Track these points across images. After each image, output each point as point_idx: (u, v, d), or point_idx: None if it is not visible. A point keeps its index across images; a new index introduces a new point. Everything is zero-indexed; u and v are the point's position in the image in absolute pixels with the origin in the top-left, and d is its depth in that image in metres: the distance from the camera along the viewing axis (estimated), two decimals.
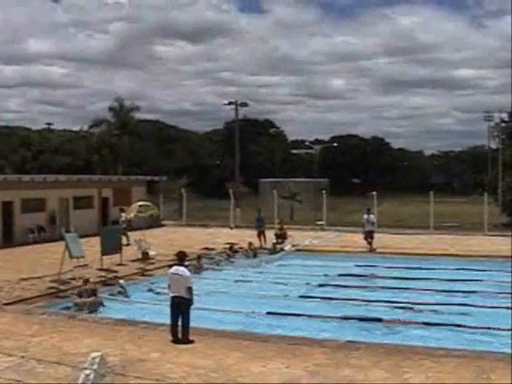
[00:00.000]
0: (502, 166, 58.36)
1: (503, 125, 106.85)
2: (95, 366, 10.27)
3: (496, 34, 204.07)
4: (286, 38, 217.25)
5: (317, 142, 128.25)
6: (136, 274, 26.03)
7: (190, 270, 16.02)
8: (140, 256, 29.78)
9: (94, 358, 10.40)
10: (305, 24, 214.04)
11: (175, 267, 15.55)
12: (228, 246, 33.11)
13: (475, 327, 17.60)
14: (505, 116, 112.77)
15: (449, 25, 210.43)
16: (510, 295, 22.26)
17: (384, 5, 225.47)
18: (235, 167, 65.15)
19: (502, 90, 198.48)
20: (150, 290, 22.99)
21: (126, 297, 21.82)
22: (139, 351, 13.95)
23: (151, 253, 30.23)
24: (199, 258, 28.55)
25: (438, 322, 18.22)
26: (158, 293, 22.25)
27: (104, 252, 26.81)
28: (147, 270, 26.80)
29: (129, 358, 13.30)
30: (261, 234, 35.66)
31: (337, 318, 18.81)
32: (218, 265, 29.50)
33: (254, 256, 32.00)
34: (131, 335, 15.47)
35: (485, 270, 27.60)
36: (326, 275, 26.96)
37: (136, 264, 28.27)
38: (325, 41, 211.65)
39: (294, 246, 34.62)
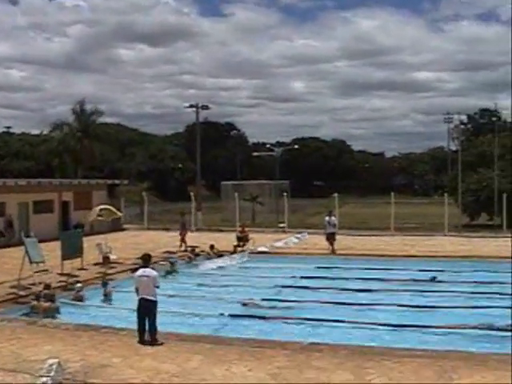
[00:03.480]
0: (461, 167, 58.83)
1: (462, 126, 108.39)
2: (52, 373, 10.14)
3: (454, 38, 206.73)
4: (246, 41, 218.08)
5: (278, 144, 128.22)
6: (97, 278, 25.81)
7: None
8: (101, 260, 29.54)
9: (51, 365, 10.27)
10: (265, 27, 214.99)
11: (142, 269, 15.55)
12: (189, 248, 32.98)
13: (437, 327, 17.71)
14: (464, 118, 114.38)
15: (408, 28, 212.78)
16: (470, 295, 22.60)
17: (344, 8, 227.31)
18: (197, 170, 64.96)
19: (460, 92, 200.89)
20: (105, 295, 22.65)
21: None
22: (101, 356, 13.82)
23: (112, 257, 30.01)
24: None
25: (400, 322, 18.28)
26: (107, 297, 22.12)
27: (65, 257, 26.51)
28: (108, 275, 26.57)
29: (90, 364, 13.16)
30: (183, 237, 35.45)
31: (299, 319, 18.81)
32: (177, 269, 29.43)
33: (217, 258, 31.87)
34: (92, 340, 15.33)
35: (444, 271, 27.83)
36: (288, 277, 26.94)
37: (97, 268, 28.03)
38: (285, 44, 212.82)
39: (255, 248, 34.54)
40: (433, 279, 26.15)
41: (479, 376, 12.19)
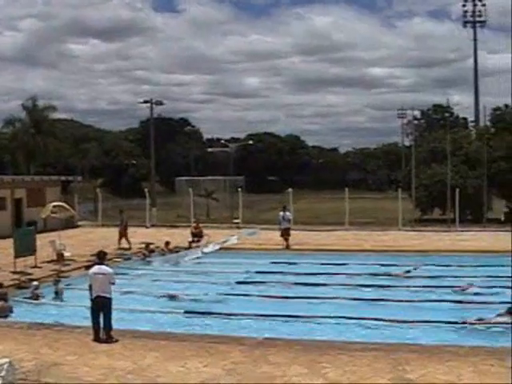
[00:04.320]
0: (415, 163, 59.32)
1: (416, 122, 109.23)
2: (3, 373, 10.04)
3: (407, 35, 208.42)
4: (200, 36, 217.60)
5: (232, 140, 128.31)
6: (51, 276, 25.56)
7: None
8: (55, 257, 29.27)
9: (1, 365, 10.16)
10: (219, 23, 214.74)
11: (96, 267, 15.47)
12: (144, 245, 32.86)
13: (392, 320, 17.88)
14: (417, 114, 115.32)
15: (361, 25, 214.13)
16: (424, 288, 22.87)
17: (298, 4, 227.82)
18: (151, 166, 64.74)
19: (414, 88, 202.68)
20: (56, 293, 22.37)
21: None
22: (55, 355, 13.72)
23: (66, 254, 29.76)
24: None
25: (356, 316, 18.42)
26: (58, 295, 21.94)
27: (17, 254, 26.24)
28: (62, 272, 26.36)
29: (44, 363, 13.05)
30: (123, 235, 35.11)
31: (254, 315, 18.85)
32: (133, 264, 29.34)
33: (172, 255, 31.80)
34: (46, 339, 15.20)
35: (398, 265, 28.09)
36: (243, 273, 26.98)
37: (51, 266, 27.77)
38: (240, 39, 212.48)
39: (210, 244, 34.51)
40: (407, 272, 26.35)
41: (432, 368, 12.35)
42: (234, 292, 22.92)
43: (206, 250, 33.00)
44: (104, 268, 15.37)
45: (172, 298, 21.85)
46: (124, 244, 34.22)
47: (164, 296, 22.20)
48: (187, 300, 21.49)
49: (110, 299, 15.08)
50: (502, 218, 52.10)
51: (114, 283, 15.38)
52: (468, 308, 19.57)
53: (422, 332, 16.85)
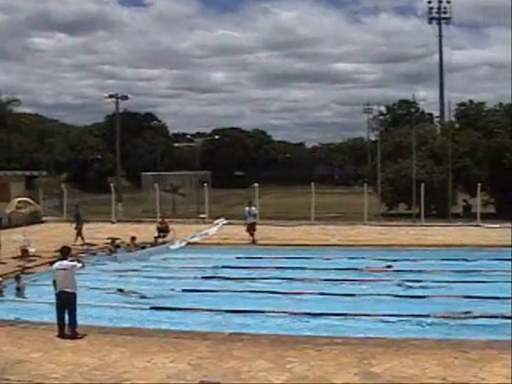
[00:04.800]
0: (380, 158, 59.65)
1: (381, 117, 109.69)
2: None
3: (373, 30, 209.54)
4: (166, 31, 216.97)
5: (198, 135, 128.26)
6: (15, 272, 25.32)
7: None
8: (20, 253, 29.01)
9: None
10: (186, 17, 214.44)
11: (59, 262, 15.36)
12: (110, 240, 32.68)
13: (358, 314, 17.97)
14: (383, 109, 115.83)
15: (328, 20, 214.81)
16: (392, 281, 23.05)
17: None
18: (116, 161, 64.42)
19: (379, 83, 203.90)
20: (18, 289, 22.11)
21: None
22: (19, 352, 13.58)
23: (31, 250, 29.51)
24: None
25: (321, 310, 18.48)
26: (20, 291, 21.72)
27: None
28: (27, 268, 26.14)
29: (7, 360, 12.91)
30: (79, 231, 34.65)
31: (220, 310, 18.84)
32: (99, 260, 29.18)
33: (138, 250, 31.67)
34: (10, 336, 15.04)
35: (364, 258, 28.28)
36: (208, 268, 26.95)
37: (16, 262, 27.53)
38: (206, 34, 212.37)
39: (177, 239, 34.43)
40: (388, 267, 26.50)
41: (397, 361, 12.44)
42: (200, 287, 22.87)
43: (173, 245, 32.96)
44: (66, 263, 15.24)
45: (121, 291, 21.76)
46: (79, 240, 33.82)
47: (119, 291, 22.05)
48: (136, 296, 21.36)
49: (74, 294, 14.96)
50: (461, 213, 52.56)
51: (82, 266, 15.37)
52: (433, 302, 19.73)
53: (389, 326, 16.95)
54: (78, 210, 36.52)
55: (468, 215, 50.87)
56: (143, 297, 21.32)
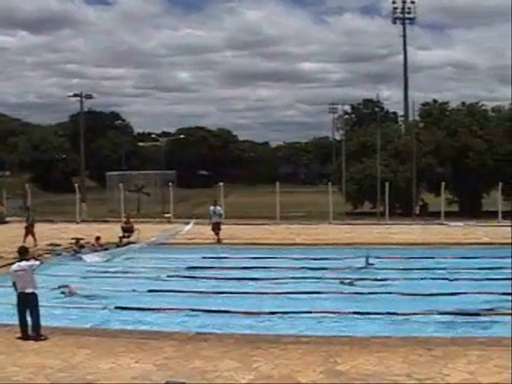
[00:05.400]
0: (345, 157, 60.02)
1: (346, 117, 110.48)
2: None
3: (337, 30, 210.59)
4: (132, 30, 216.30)
5: (164, 134, 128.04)
6: None
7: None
8: None
9: None
10: (151, 16, 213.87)
11: (17, 263, 15.17)
12: (74, 240, 32.46)
13: (324, 312, 18.02)
14: (348, 108, 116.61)
15: (293, 19, 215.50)
16: (357, 281, 23.16)
17: None
18: (81, 161, 64.04)
19: (344, 83, 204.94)
20: None
21: None
22: None
23: None
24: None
25: (288, 309, 18.50)
26: None
27: None
28: None
29: None
30: (29, 232, 33.82)
31: (186, 310, 18.79)
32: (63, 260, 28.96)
33: (103, 250, 31.49)
34: None
35: (328, 258, 28.36)
36: (174, 268, 26.87)
37: None
38: (171, 33, 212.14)
39: (142, 239, 34.28)
40: (369, 265, 26.60)
41: (362, 359, 12.49)
42: (166, 287, 22.77)
43: (138, 245, 32.85)
44: (24, 264, 15.04)
45: (65, 288, 21.61)
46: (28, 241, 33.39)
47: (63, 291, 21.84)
48: (81, 295, 21.21)
49: (34, 294, 14.72)
50: (417, 211, 52.95)
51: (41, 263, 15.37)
52: (398, 300, 19.85)
53: (355, 324, 17.02)
54: (30, 211, 36.13)
55: (425, 214, 51.28)
56: (105, 297, 21.18)
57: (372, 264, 26.75)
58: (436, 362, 12.15)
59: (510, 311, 17.49)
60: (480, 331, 15.83)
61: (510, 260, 26.03)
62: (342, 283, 22.82)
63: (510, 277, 22.53)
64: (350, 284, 22.74)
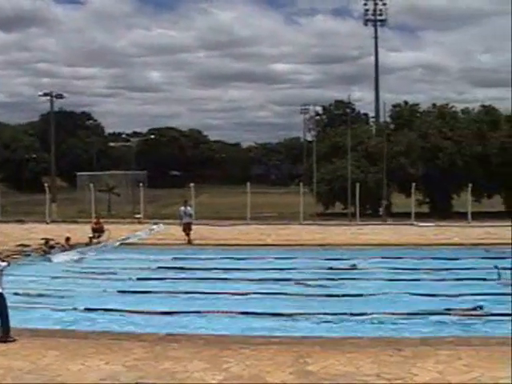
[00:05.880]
0: (316, 158, 60.17)
1: (318, 118, 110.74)
2: None
3: (309, 32, 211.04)
4: (103, 29, 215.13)
5: (135, 134, 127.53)
6: None
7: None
8: None
9: None
10: (123, 15, 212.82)
11: None
12: (44, 241, 32.23)
13: (294, 313, 18.01)
14: (319, 109, 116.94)
15: (265, 20, 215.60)
16: (327, 281, 23.19)
17: None
18: (51, 161, 63.63)
19: (316, 84, 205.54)
20: None
21: None
22: None
23: None
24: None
25: (259, 310, 18.48)
26: None
27: None
28: None
29: None
30: None
31: (156, 311, 18.71)
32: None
33: (72, 251, 31.28)
34: None
35: (299, 258, 28.42)
36: (144, 269, 26.75)
37: None
38: (143, 33, 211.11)
39: (112, 239, 34.13)
40: (353, 266, 26.56)
41: (333, 359, 12.49)
42: (136, 288, 22.67)
43: (107, 245, 32.68)
44: None
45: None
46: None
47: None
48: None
49: (1, 296, 14.55)
50: (381, 212, 53.17)
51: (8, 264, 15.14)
52: (370, 300, 19.91)
53: (325, 325, 17.04)
54: None
55: (388, 215, 51.48)
56: (75, 298, 21.05)
57: (355, 265, 26.80)
58: (405, 361, 12.19)
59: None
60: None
61: (482, 260, 26.46)
62: (298, 284, 22.85)
63: (481, 277, 22.87)
64: (303, 284, 22.74)
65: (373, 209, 56.03)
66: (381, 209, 54.45)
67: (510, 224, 39.41)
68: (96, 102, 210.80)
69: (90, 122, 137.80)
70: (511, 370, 11.42)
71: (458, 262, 27.03)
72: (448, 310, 17.93)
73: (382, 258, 28.44)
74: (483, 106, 66.73)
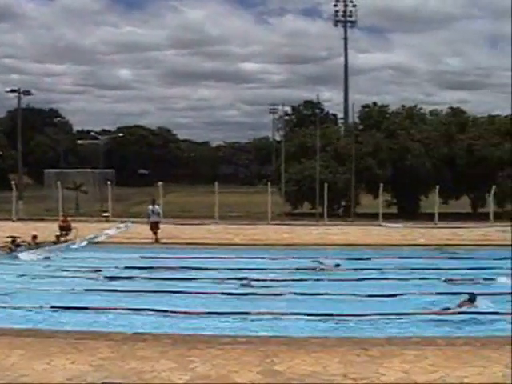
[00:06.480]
0: (285, 158, 60.24)
1: (286, 118, 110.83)
2: None
3: (279, 32, 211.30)
4: (72, 25, 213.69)
5: (103, 132, 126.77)
6: None
7: None
8: None
9: None
10: (92, 13, 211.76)
11: None
12: (10, 239, 31.96)
13: (261, 313, 18.03)
14: (288, 109, 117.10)
15: (235, 20, 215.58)
16: (292, 282, 23.20)
17: None
18: (18, 158, 63.10)
19: (285, 84, 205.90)
20: None
21: None
22: None
23: None
24: None
25: (225, 310, 18.47)
26: None
27: None
28: None
29: None
30: None
31: (123, 309, 18.63)
32: None
33: (39, 249, 31.06)
34: None
35: (266, 258, 28.45)
36: (111, 268, 26.61)
37: None
38: (112, 30, 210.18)
39: (79, 238, 33.94)
40: (337, 266, 26.56)
41: (299, 359, 12.51)
42: (103, 287, 22.57)
43: (75, 243, 32.51)
44: None
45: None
46: None
47: None
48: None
49: None
50: (340, 213, 53.33)
51: None
52: (336, 300, 19.97)
53: (292, 325, 17.07)
54: None
55: (347, 215, 51.73)
56: (41, 296, 20.89)
57: (339, 265, 26.83)
58: (372, 361, 12.25)
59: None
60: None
61: (445, 261, 26.73)
62: (242, 285, 22.89)
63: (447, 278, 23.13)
64: (247, 285, 22.80)
65: (342, 209, 56.25)
66: (340, 209, 54.78)
67: (474, 226, 39.94)
68: (64, 100, 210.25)
69: (58, 119, 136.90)
70: (511, 369, 11.61)
71: (423, 261, 27.36)
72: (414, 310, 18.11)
73: (348, 258, 28.55)
74: (451, 108, 67.38)
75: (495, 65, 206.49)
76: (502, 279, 22.79)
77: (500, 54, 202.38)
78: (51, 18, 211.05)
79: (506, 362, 11.89)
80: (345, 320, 17.42)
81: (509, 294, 19.64)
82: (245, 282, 23.10)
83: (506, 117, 65.12)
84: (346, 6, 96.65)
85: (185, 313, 18.32)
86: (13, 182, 50.65)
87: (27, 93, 63.13)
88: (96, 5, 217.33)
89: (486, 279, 23.08)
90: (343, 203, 56.74)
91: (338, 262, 27.23)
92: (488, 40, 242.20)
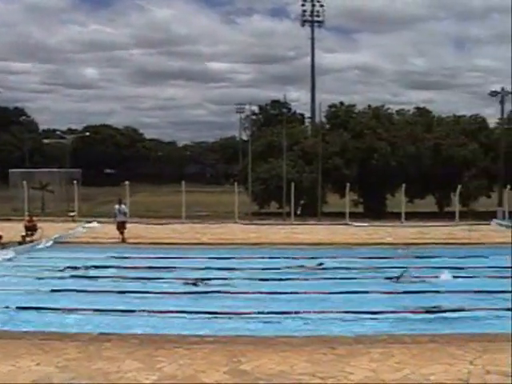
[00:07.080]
0: (252, 157, 60.26)
1: (254, 117, 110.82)
2: None
3: (247, 31, 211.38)
4: (37, 23, 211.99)
5: (69, 131, 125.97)
6: None
7: None
8: None
9: None
10: (58, 11, 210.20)
11: None
12: None
13: (229, 313, 18.01)
14: (255, 109, 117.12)
15: (202, 19, 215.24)
16: (260, 281, 23.26)
17: None
18: None
19: (252, 83, 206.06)
20: None
21: None
22: None
23: None
24: None
25: (192, 309, 18.43)
26: None
27: None
28: None
29: None
30: None
31: (89, 310, 18.52)
32: None
33: (3, 249, 30.80)
34: None
35: (234, 258, 28.45)
36: (78, 267, 26.45)
37: None
38: (78, 29, 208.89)
39: (45, 238, 33.70)
40: (320, 265, 26.54)
41: (266, 358, 12.51)
42: (69, 287, 22.41)
43: (40, 243, 32.26)
44: None
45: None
46: None
47: None
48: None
49: None
50: (299, 212, 53.48)
51: None
52: (302, 299, 20.01)
53: (261, 323, 17.08)
54: None
55: (306, 214, 51.85)
56: (6, 297, 20.70)
57: (322, 264, 26.86)
58: (339, 360, 12.27)
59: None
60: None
61: (411, 260, 26.93)
62: (187, 284, 22.89)
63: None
64: (195, 284, 22.80)
65: (308, 208, 56.35)
66: (299, 208, 54.88)
67: (441, 224, 40.26)
68: (30, 98, 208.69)
69: (24, 117, 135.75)
70: (511, 367, 11.73)
71: (389, 260, 27.55)
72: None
73: (313, 257, 28.61)
74: (417, 108, 67.89)
75: (460, 65, 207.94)
76: (444, 276, 23.07)
77: (465, 54, 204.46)
78: (16, 16, 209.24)
79: (471, 359, 12.01)
80: (311, 318, 17.45)
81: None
82: (200, 282, 23.04)
83: (470, 117, 65.85)
84: (313, 5, 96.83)
85: (152, 312, 18.25)
86: None
87: None
88: (62, 3, 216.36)
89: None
90: (302, 202, 56.75)
91: (321, 261, 27.32)
92: (453, 41, 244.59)
